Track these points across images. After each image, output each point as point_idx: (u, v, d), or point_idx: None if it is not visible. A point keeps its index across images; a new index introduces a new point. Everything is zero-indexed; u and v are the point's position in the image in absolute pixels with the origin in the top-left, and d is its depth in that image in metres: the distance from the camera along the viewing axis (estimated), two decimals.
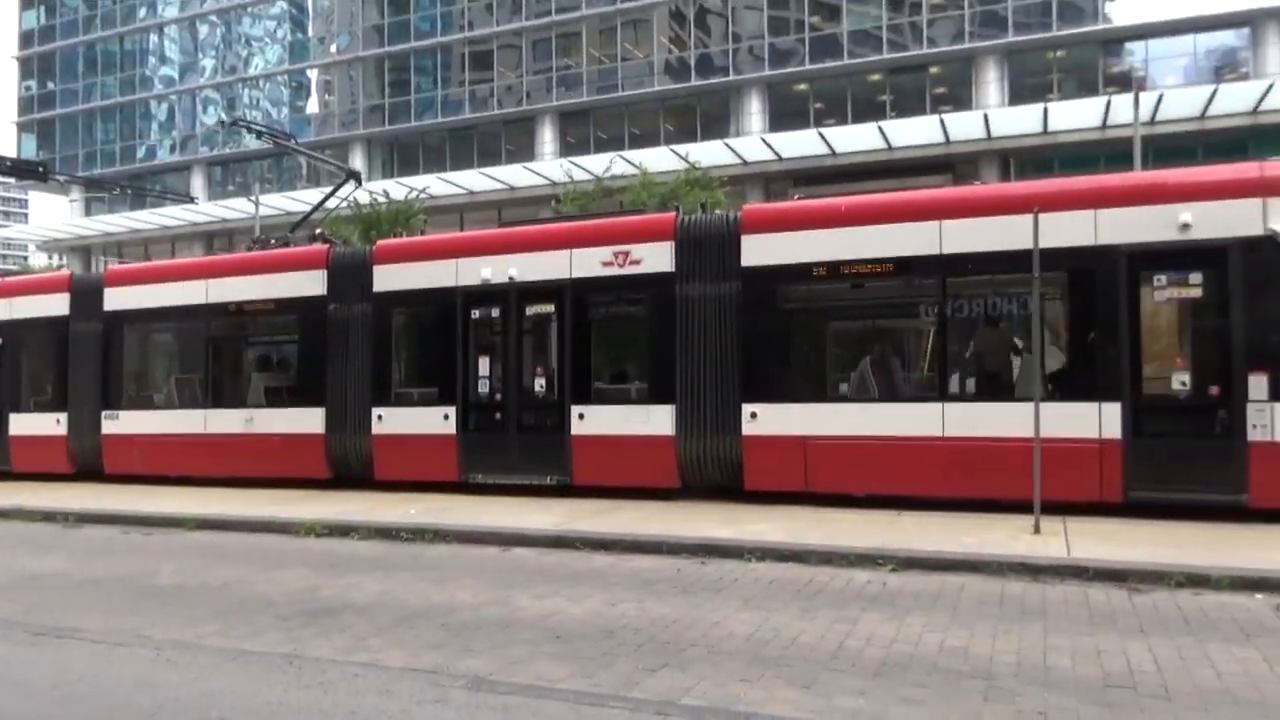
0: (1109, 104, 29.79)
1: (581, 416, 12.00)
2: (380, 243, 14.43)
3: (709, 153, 32.94)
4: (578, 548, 9.19)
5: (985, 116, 32.10)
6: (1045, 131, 31.98)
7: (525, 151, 42.29)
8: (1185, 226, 9.56)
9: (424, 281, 13.00)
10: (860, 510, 10.27)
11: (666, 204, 26.42)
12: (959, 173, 34.27)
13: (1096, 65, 35.70)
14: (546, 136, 42.47)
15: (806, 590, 7.36)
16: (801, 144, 34.88)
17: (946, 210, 10.61)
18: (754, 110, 39.16)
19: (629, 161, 30.74)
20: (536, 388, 12.49)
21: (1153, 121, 29.47)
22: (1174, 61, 35.29)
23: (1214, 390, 9.58)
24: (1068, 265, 9.99)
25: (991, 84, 35.90)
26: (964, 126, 32.70)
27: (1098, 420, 9.80)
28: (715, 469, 11.50)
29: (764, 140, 35.03)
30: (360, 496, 12.76)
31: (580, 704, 4.90)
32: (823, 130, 34.26)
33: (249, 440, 14.12)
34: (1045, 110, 30.96)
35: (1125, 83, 33.09)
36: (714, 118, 40.72)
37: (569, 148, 41.47)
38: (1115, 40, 36.05)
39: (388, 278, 13.26)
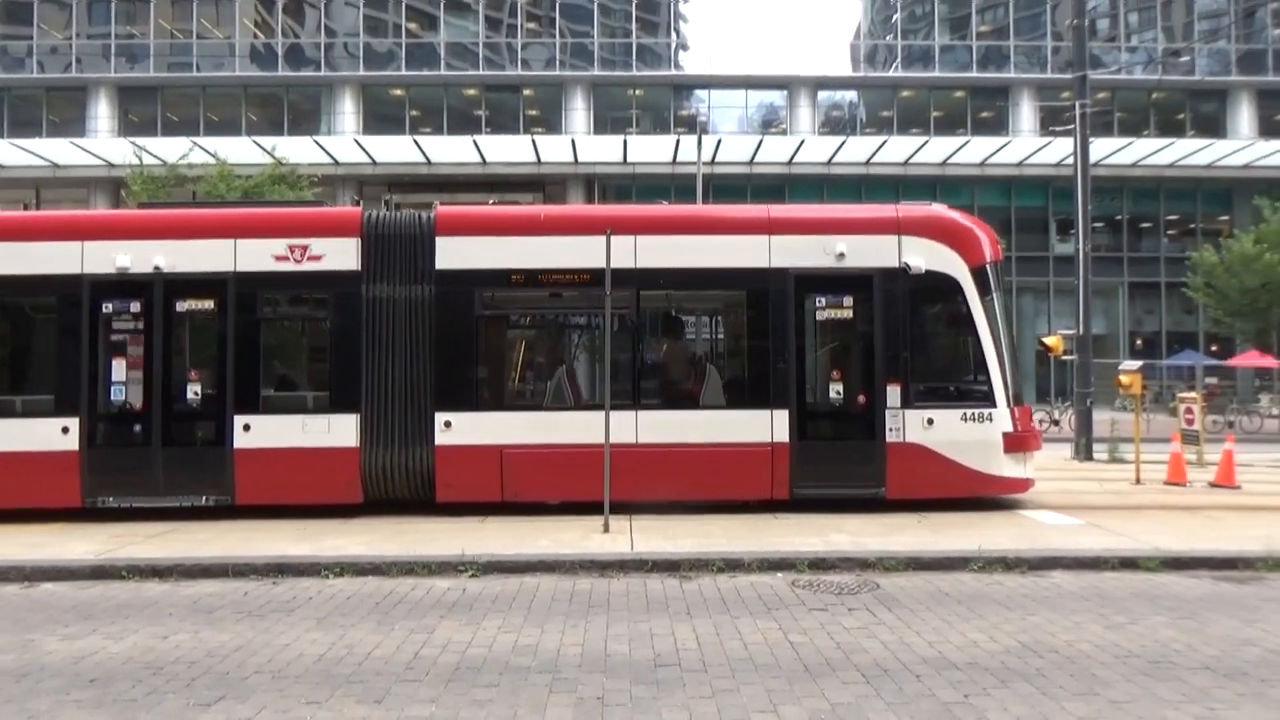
0: (678, 142, 33.23)
1: (247, 428, 10.62)
2: None
3: (298, 149, 31.18)
4: (125, 577, 8.12)
5: (573, 141, 34.13)
6: (625, 161, 34.78)
7: (74, 125, 36.77)
8: (841, 255, 10.85)
9: (34, 266, 10.75)
10: (443, 518, 10.30)
11: (248, 196, 24.57)
12: (548, 192, 36.06)
13: (669, 106, 39.69)
14: (102, 111, 37.29)
15: (385, 603, 7.22)
16: (397, 149, 34.38)
17: (640, 226, 11.02)
18: (347, 109, 37.83)
19: (204, 149, 28.07)
20: (190, 395, 10.83)
21: (713, 162, 33.40)
22: (731, 111, 40.41)
23: (861, 399, 10.91)
24: (747, 285, 10.99)
25: (580, 111, 38.26)
26: (554, 149, 34.46)
27: (770, 426, 10.69)
28: (404, 482, 10.80)
29: (358, 142, 33.98)
30: None
31: None
32: (419, 138, 34.08)
33: None
34: (625, 142, 33.70)
35: (692, 125, 37.16)
36: (304, 112, 38.67)
37: (132, 126, 36.85)
38: (685, 86, 40.42)
39: None
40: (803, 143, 34.43)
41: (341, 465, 10.57)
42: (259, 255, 10.81)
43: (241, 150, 29.22)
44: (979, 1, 39.74)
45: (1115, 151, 32.94)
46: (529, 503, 10.61)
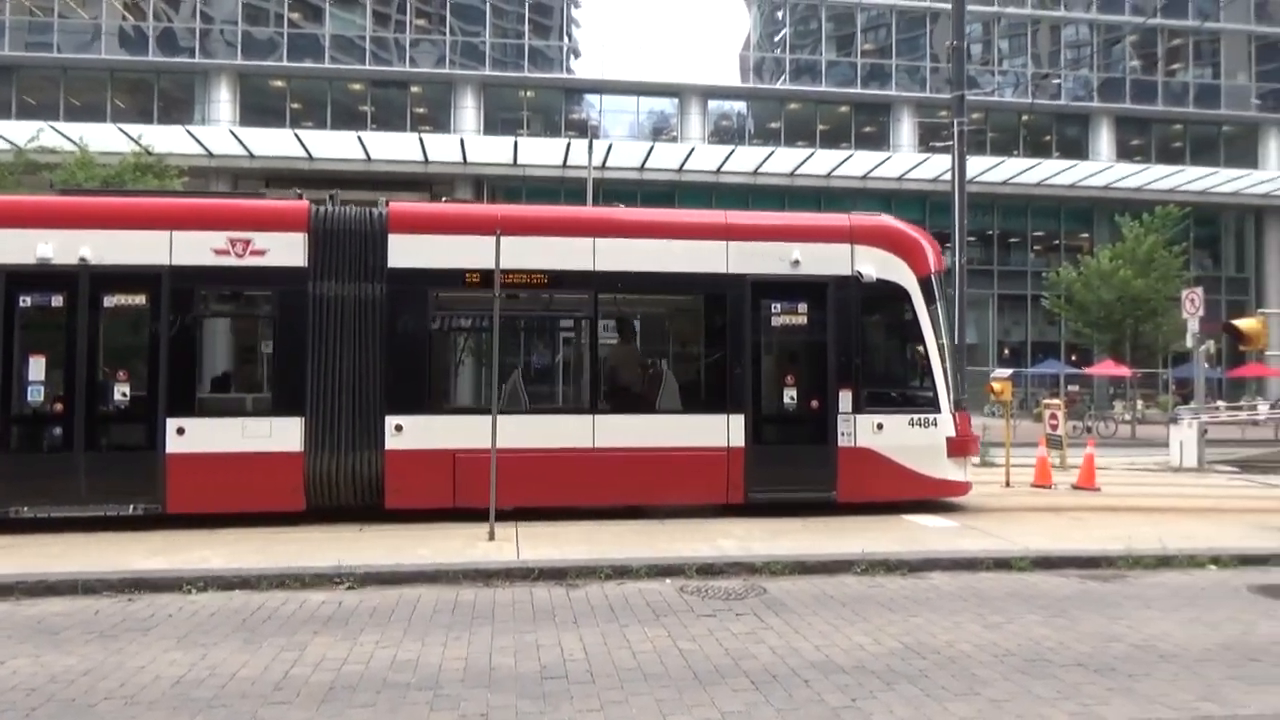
0: (569, 146, 33.07)
1: (181, 431, 9.90)
2: None
3: (168, 138, 29.58)
4: None
5: (462, 141, 33.54)
6: (516, 163, 34.40)
7: None
8: (796, 263, 10.91)
9: None
10: (318, 526, 9.83)
11: (108, 184, 23.05)
12: (436, 192, 35.30)
13: (561, 109, 39.50)
14: None
15: (254, 619, 6.78)
16: (277, 143, 33.06)
17: (600, 229, 10.92)
18: (223, 99, 36.20)
19: (63, 135, 26.29)
20: (117, 396, 10.04)
21: (604, 166, 33.37)
22: (623, 117, 40.52)
23: (814, 404, 10.97)
24: (704, 290, 10.95)
25: (469, 110, 37.66)
26: (442, 148, 33.79)
27: (726, 430, 10.69)
28: (350, 487, 10.28)
29: (234, 133, 32.51)
30: None
31: None
32: (300, 132, 32.85)
33: None
34: (516, 144, 33.32)
35: (584, 129, 37.06)
36: (176, 100, 36.82)
37: None
38: (577, 90, 40.29)
39: None
40: (693, 150, 34.81)
41: (284, 471, 10.03)
42: (197, 248, 10.12)
43: (106, 138, 27.49)
44: (863, 21, 41.02)
45: (988, 170, 34.49)
46: (480, 509, 10.05)
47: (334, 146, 33.42)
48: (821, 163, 35.47)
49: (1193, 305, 19.92)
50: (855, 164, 35.59)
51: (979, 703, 5.09)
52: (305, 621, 6.71)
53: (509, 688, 5.29)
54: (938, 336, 11.26)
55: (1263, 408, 32.12)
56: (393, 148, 33.60)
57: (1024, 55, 42.20)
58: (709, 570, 8.27)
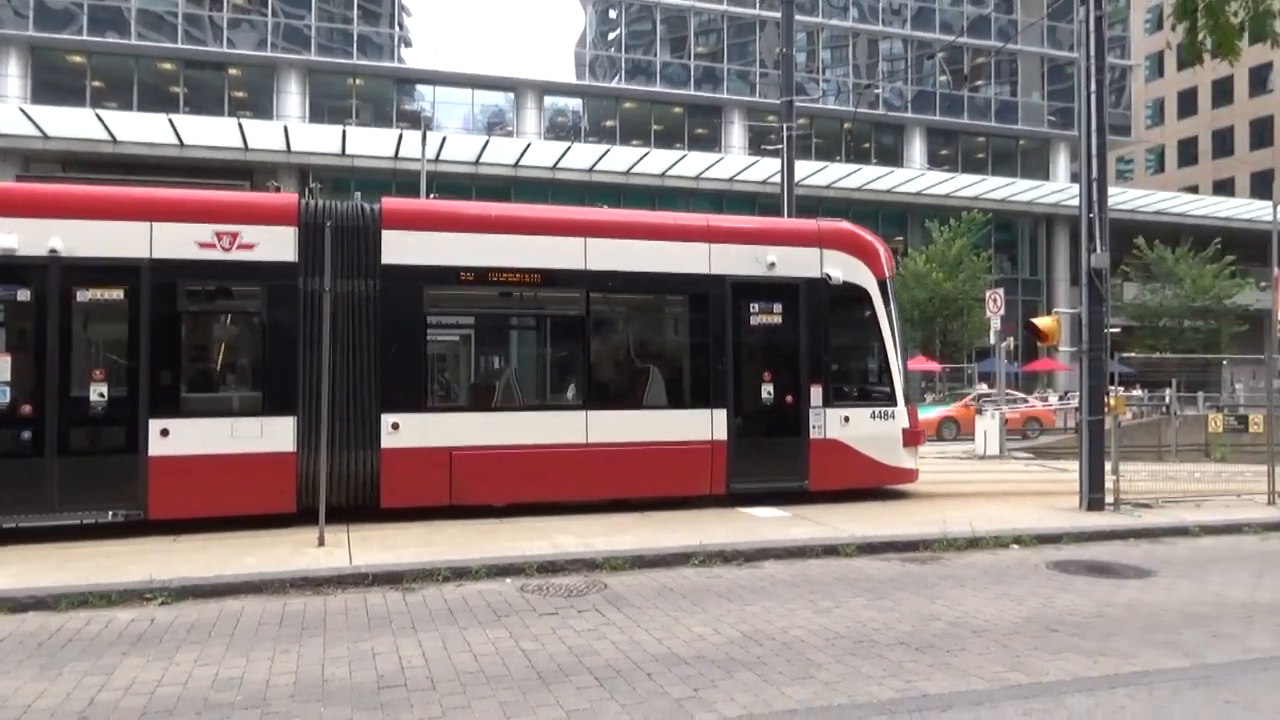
0: (401, 138, 32.10)
1: (165, 433, 9.46)
2: None
3: None
4: None
5: (286, 129, 31.95)
6: (344, 153, 33.08)
7: None
8: (772, 265, 11.57)
9: None
10: (127, 539, 9.10)
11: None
12: (257, 181, 33.47)
13: (392, 100, 38.32)
14: None
15: (52, 643, 6.18)
16: (75, 123, 30.41)
17: (591, 229, 11.16)
18: (12, 73, 32.97)
19: None
20: (94, 397, 9.42)
21: (438, 160, 32.61)
22: (457, 110, 39.74)
23: (789, 399, 11.61)
24: (689, 290, 11.39)
25: (293, 97, 35.93)
26: (264, 135, 32.08)
27: (710, 424, 11.20)
28: (344, 487, 10.10)
29: (25, 112, 29.65)
30: None
31: None
32: (102, 112, 30.33)
33: None
34: (344, 133, 32.04)
35: (416, 121, 36.09)
36: None
37: None
38: (408, 80, 39.18)
39: None
40: (529, 146, 34.57)
41: (275, 472, 9.78)
42: (180, 241, 9.70)
43: None
44: (696, 24, 41.95)
45: (813, 173, 36.03)
46: (479, 505, 10.41)
47: (142, 129, 31.06)
48: (656, 162, 36.03)
49: (995, 305, 21.57)
50: (689, 164, 36.36)
51: (814, 685, 5.29)
52: (112, 643, 6.18)
53: (344, 699, 5.06)
54: (894, 334, 12.11)
55: (1053, 399, 35.13)
56: (209, 133, 31.58)
57: (846, 66, 44.38)
58: (550, 568, 8.22)
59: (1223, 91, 63.19)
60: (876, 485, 12.05)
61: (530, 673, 5.51)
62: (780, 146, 18.98)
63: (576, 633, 6.36)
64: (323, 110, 36.58)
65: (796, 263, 11.72)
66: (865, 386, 12.27)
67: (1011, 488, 13.73)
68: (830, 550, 9.11)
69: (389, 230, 10.40)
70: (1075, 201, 12.51)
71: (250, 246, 9.92)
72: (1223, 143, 63.89)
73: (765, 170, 34.91)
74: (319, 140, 32.90)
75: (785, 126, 18.56)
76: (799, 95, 22.64)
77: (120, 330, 9.74)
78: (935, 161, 44.33)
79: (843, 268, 11.86)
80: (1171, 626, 6.61)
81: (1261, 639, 6.32)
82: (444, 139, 32.98)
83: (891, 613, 6.91)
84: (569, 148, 34.78)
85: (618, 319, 11.99)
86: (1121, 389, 14.46)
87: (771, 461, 11.51)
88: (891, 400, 12.03)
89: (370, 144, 33.24)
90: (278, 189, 10.77)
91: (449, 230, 10.74)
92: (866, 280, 11.99)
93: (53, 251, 9.31)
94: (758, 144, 41.25)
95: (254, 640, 6.21)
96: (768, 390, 11.61)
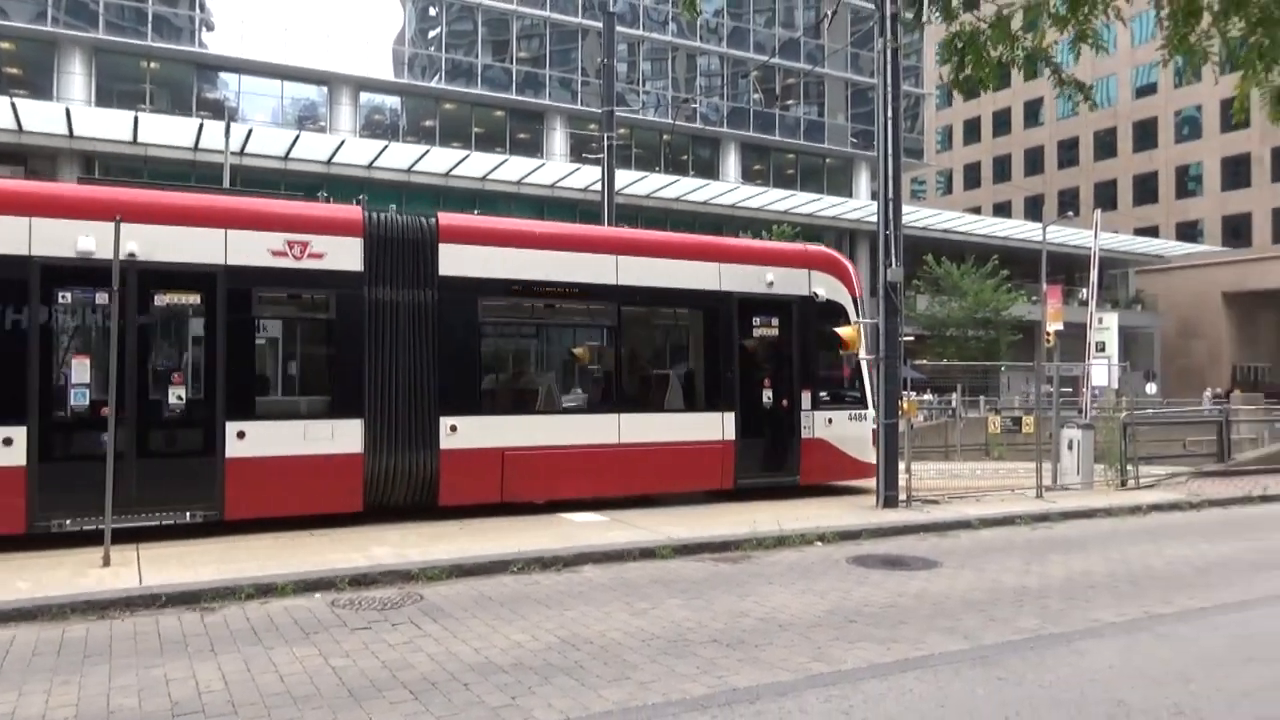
0: (201, 127, 30.13)
1: (241, 435, 9.76)
2: None
3: None
4: None
5: (68, 111, 29.30)
6: (136, 141, 30.69)
7: None
8: (771, 283, 12.98)
9: None
10: None
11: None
12: (33, 167, 30.58)
13: (193, 86, 35.90)
14: None
15: None
16: None
17: (622, 247, 12.33)
18: None
19: None
20: (172, 400, 9.62)
21: (242, 153, 30.85)
22: (265, 101, 37.70)
23: (784, 402, 12.93)
24: (703, 304, 12.63)
25: (77, 77, 33.01)
26: (42, 117, 29.30)
27: (721, 426, 12.40)
28: (406, 486, 10.69)
29: None
30: None
31: None
32: None
33: None
34: (136, 119, 29.73)
35: (219, 110, 33.98)
36: None
37: None
38: (210, 67, 36.82)
39: None
40: (343, 143, 33.31)
41: (344, 472, 10.24)
42: (254, 249, 9.98)
43: None
44: (519, 28, 41.79)
45: (633, 183, 36.70)
46: (524, 502, 11.27)
47: None
48: (476, 165, 35.58)
49: None
50: (510, 169, 36.14)
51: (629, 686, 5.40)
52: None
53: None
54: (864, 346, 13.54)
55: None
56: None
57: (665, 79, 45.47)
58: (362, 581, 7.97)
59: (1002, 122, 69.31)
60: (853, 479, 13.55)
61: (341, 690, 5.32)
62: (601, 155, 19.25)
63: (391, 646, 6.20)
64: (111, 94, 33.76)
65: (790, 282, 13.23)
66: (843, 392, 13.73)
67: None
68: (648, 553, 9.31)
69: (445, 244, 11.02)
70: (875, 218, 13.43)
71: (320, 255, 10.30)
72: (1001, 169, 70.07)
73: (587, 178, 35.23)
74: (107, 126, 30.37)
75: (606, 135, 18.84)
76: (620, 105, 23.03)
77: (196, 334, 9.98)
78: (749, 176, 46.15)
79: (826, 287, 13.50)
80: (954, 613, 7.19)
81: (1029, 620, 7.00)
82: (250, 131, 31.22)
83: (705, 611, 7.15)
84: (386, 147, 33.76)
85: (644, 330, 13.23)
86: (914, 394, 15.63)
87: (771, 458, 12.90)
88: (863, 404, 13.74)
89: (167, 133, 30.98)
90: (327, 199, 11.54)
91: (498, 245, 11.48)
92: (844, 298, 13.68)
93: (130, 255, 9.21)
94: (579, 151, 41.55)
95: (27, 672, 5.67)
96: (768, 395, 12.94)
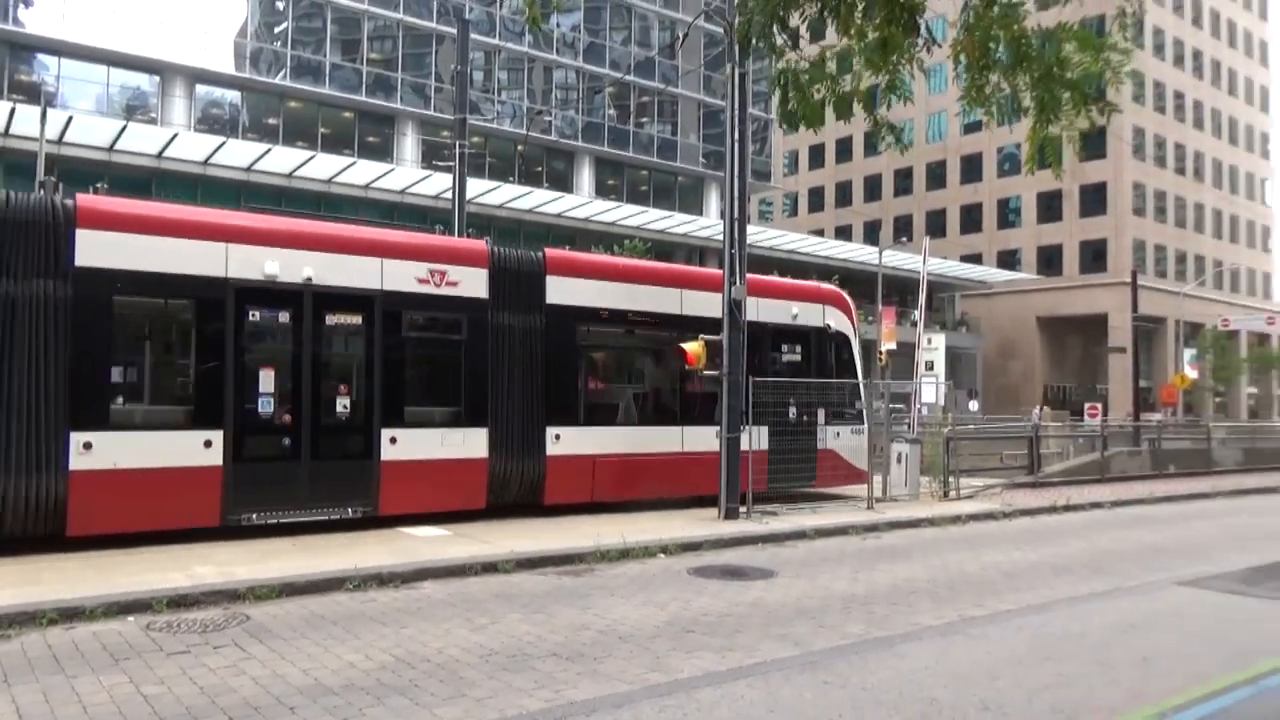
0: (14, 111, 27.77)
1: (394, 440, 11.12)
2: (83, 200, 9.66)
3: None
4: None
5: None
6: None
7: None
8: (795, 316, 15.32)
9: (174, 264, 9.82)
10: None
11: None
12: None
13: (4, 67, 33.06)
14: None
15: None
16: None
17: (685, 281, 14.33)
18: None
19: None
20: (338, 409, 10.95)
21: (61, 141, 28.66)
22: (88, 87, 35.13)
23: (805, 417, 14.78)
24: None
25: None
26: None
27: (760, 437, 13.75)
28: (518, 487, 12.19)
29: None
30: None
31: None
32: None
33: None
34: None
35: (34, 94, 31.43)
36: None
37: None
38: (26, 47, 34.03)
39: (116, 250, 9.50)
40: (176, 137, 31.42)
41: (472, 475, 11.68)
42: (404, 276, 11.39)
43: None
44: (370, 29, 40.70)
45: (486, 192, 36.30)
46: (609, 501, 12.91)
47: None
48: (322, 167, 34.30)
49: None
50: (358, 172, 35.04)
51: (465, 703, 5.32)
52: None
53: None
54: (859, 369, 16.17)
55: None
56: None
57: (521, 90, 45.31)
58: (183, 602, 7.51)
59: (844, 150, 72.72)
60: (854, 483, 15.19)
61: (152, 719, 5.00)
62: (454, 163, 18.97)
63: (211, 671, 5.87)
64: None
65: (810, 315, 15.55)
66: (847, 408, 15.83)
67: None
68: (490, 567, 9.20)
69: (551, 275, 12.68)
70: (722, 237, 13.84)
71: (455, 284, 11.76)
72: (843, 194, 73.52)
73: (438, 185, 34.59)
74: None
75: (459, 143, 18.60)
76: (474, 114, 22.78)
77: (357, 350, 11.31)
78: (603, 190, 46.54)
79: (835, 320, 15.86)
80: (787, 620, 7.46)
81: (856, 625, 7.34)
82: (70, 118, 28.97)
83: (545, 625, 7.13)
84: (224, 143, 32.03)
85: (703, 353, 14.13)
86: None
87: (794, 465, 14.44)
88: (861, 419, 15.79)
89: None
90: (443, 230, 13.14)
91: (592, 278, 13.24)
92: (848, 328, 16.10)
93: (306, 280, 10.66)
94: (431, 158, 40.80)
95: None
96: (793, 411, 14.61)
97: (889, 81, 6.23)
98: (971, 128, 63.49)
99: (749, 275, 15.18)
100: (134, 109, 35.84)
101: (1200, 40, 67.92)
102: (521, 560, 9.44)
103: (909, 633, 7.15)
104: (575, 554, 9.84)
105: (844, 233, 69.47)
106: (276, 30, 39.78)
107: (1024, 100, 6.38)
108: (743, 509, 12.81)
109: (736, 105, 13.26)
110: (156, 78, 35.97)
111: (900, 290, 52.20)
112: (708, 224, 45.31)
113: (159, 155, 31.78)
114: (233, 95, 38.58)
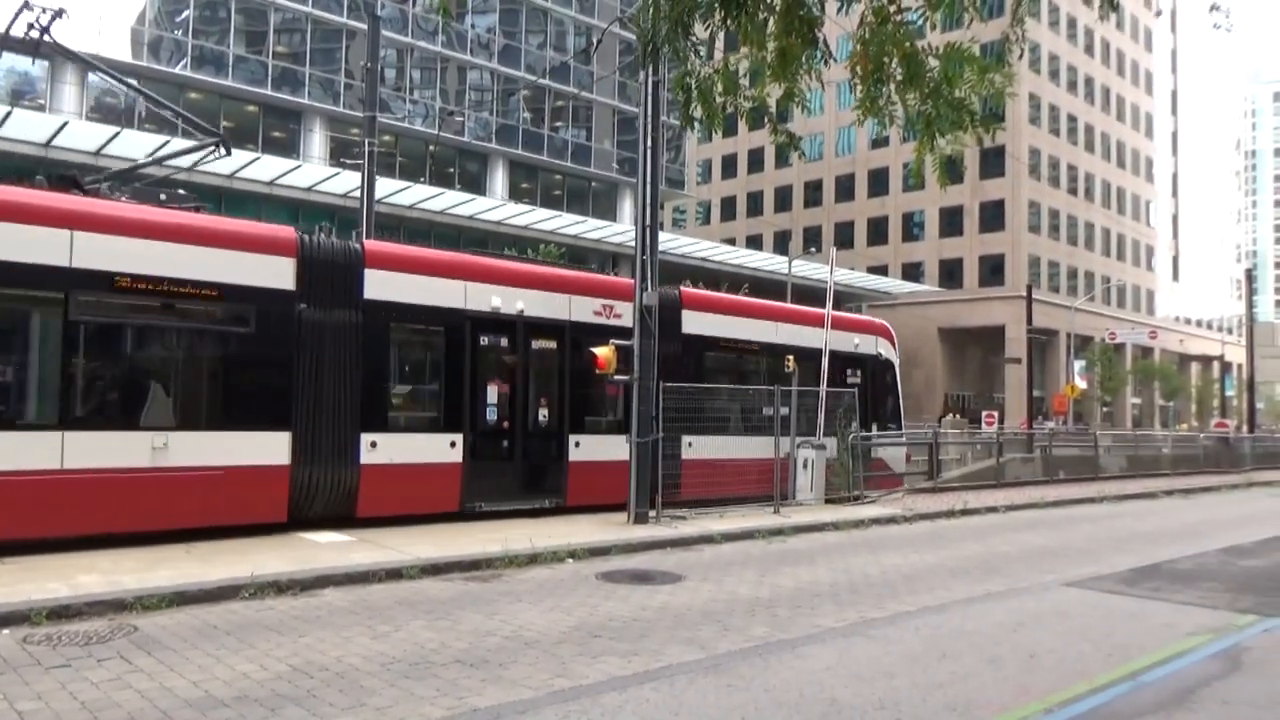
0: None
1: (578, 444, 13.71)
2: (369, 244, 12.46)
3: None
4: None
5: None
6: None
7: None
8: (856, 345, 18.62)
9: (429, 298, 12.38)
10: None
11: None
12: None
13: None
14: None
15: None
16: None
17: (779, 316, 18.01)
18: None
19: None
20: (540, 418, 13.39)
21: None
22: None
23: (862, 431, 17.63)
24: (816, 360, 16.84)
25: None
26: None
27: (830, 448, 16.54)
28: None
29: None
30: None
31: None
32: None
33: None
34: None
35: None
36: None
37: None
38: None
39: (391, 286, 12.03)
40: (66, 124, 29.95)
41: (625, 475, 13.02)
42: (584, 309, 13.97)
43: None
44: (277, 21, 39.58)
45: (396, 192, 35.64)
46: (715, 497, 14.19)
47: None
48: (225, 161, 33.11)
49: None
50: (262, 168, 33.99)
51: (365, 713, 5.19)
52: None
53: None
54: (899, 390, 19.70)
55: None
56: None
57: (434, 89, 44.69)
58: (64, 613, 7.14)
59: (756, 160, 74.00)
60: (894, 488, 18.42)
61: None
62: (362, 161, 18.59)
63: (93, 685, 5.59)
64: None
65: (867, 344, 18.99)
66: (890, 422, 19.26)
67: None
68: (394, 574, 9.01)
69: (685, 310, 15.48)
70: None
71: (619, 316, 14.09)
72: (755, 204, 74.74)
73: (347, 183, 33.80)
74: None
75: (368, 141, 18.26)
76: (384, 112, 22.35)
77: (552, 371, 13.71)
78: (516, 193, 46.24)
79: (885, 348, 19.43)
80: (693, 624, 7.51)
81: (760, 628, 7.44)
82: None
83: (450, 632, 7.02)
84: (118, 133, 30.65)
85: (786, 377, 16.05)
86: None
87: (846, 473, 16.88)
88: (900, 432, 19.66)
89: None
90: (593, 267, 16.42)
91: (713, 312, 16.15)
92: (893, 356, 19.72)
93: (519, 311, 13.13)
94: (340, 155, 39.88)
95: None
96: (854, 425, 16.99)
97: (786, 89, 6.36)
98: (879, 143, 65.35)
99: (819, 311, 18.15)
100: (21, 94, 34.07)
101: (1092, 68, 71.40)
102: (427, 566, 9.27)
103: (811, 635, 7.28)
104: (483, 559, 9.72)
105: (755, 242, 70.60)
106: (178, 19, 38.36)
107: (912, 113, 6.58)
108: (652, 513, 12.86)
109: (649, 112, 13.35)
110: (46, 63, 34.24)
111: (809, 299, 52.90)
112: (621, 230, 45.42)
113: (47, 144, 30.26)
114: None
